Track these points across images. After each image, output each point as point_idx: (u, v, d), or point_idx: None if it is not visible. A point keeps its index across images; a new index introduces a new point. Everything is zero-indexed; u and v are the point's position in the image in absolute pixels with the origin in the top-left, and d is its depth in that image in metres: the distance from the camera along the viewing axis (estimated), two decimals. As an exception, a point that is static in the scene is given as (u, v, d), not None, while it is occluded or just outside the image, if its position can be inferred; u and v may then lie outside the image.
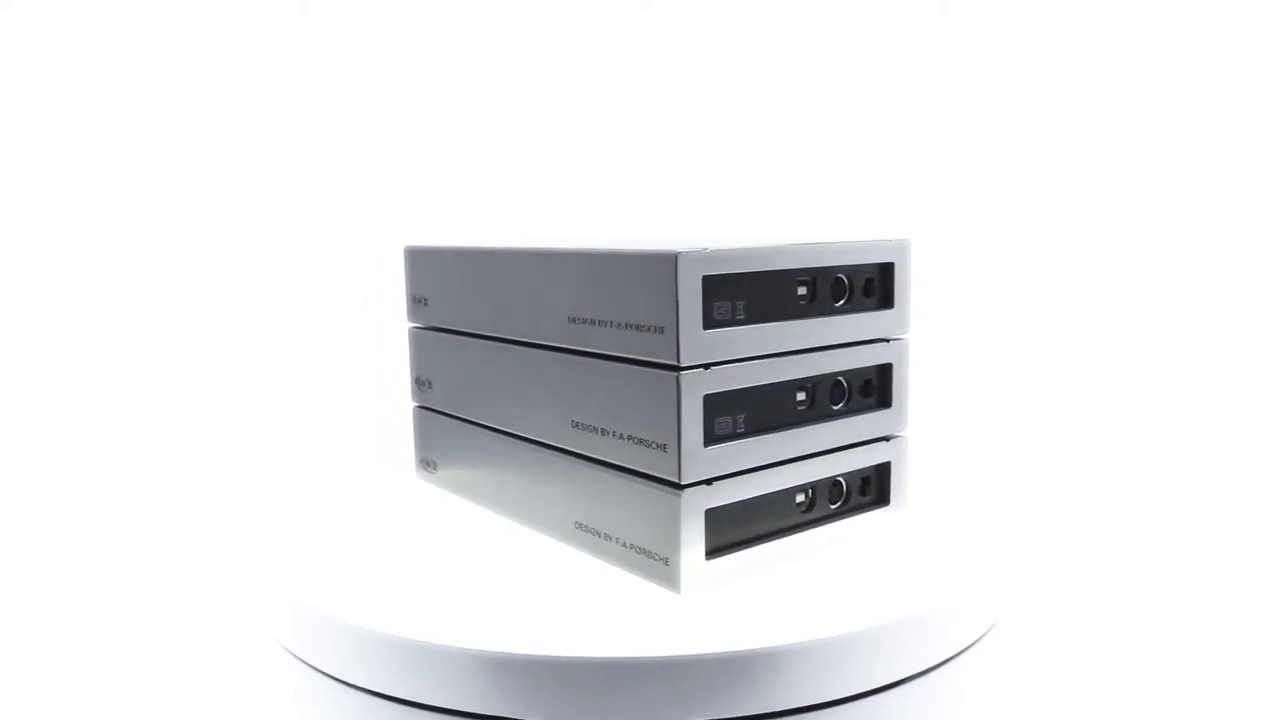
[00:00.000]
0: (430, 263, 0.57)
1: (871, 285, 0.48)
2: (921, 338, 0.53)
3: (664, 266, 0.41)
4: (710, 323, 0.42)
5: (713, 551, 0.44)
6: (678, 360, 0.41)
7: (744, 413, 0.44)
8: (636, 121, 0.68)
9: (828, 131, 0.71)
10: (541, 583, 0.45)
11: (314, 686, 0.44)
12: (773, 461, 0.45)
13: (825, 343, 0.46)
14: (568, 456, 0.48)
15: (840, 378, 0.47)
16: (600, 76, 0.67)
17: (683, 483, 0.42)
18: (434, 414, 0.58)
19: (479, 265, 0.53)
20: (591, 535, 0.47)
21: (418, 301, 0.58)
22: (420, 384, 0.59)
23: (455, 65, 0.66)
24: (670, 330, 0.41)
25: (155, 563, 0.69)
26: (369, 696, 0.41)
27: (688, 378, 0.41)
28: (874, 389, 0.49)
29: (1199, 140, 0.72)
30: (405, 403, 0.60)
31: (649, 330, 0.42)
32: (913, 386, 0.51)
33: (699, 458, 0.42)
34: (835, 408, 0.47)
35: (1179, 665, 0.58)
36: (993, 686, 0.48)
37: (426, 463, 0.60)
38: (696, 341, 0.41)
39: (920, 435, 0.52)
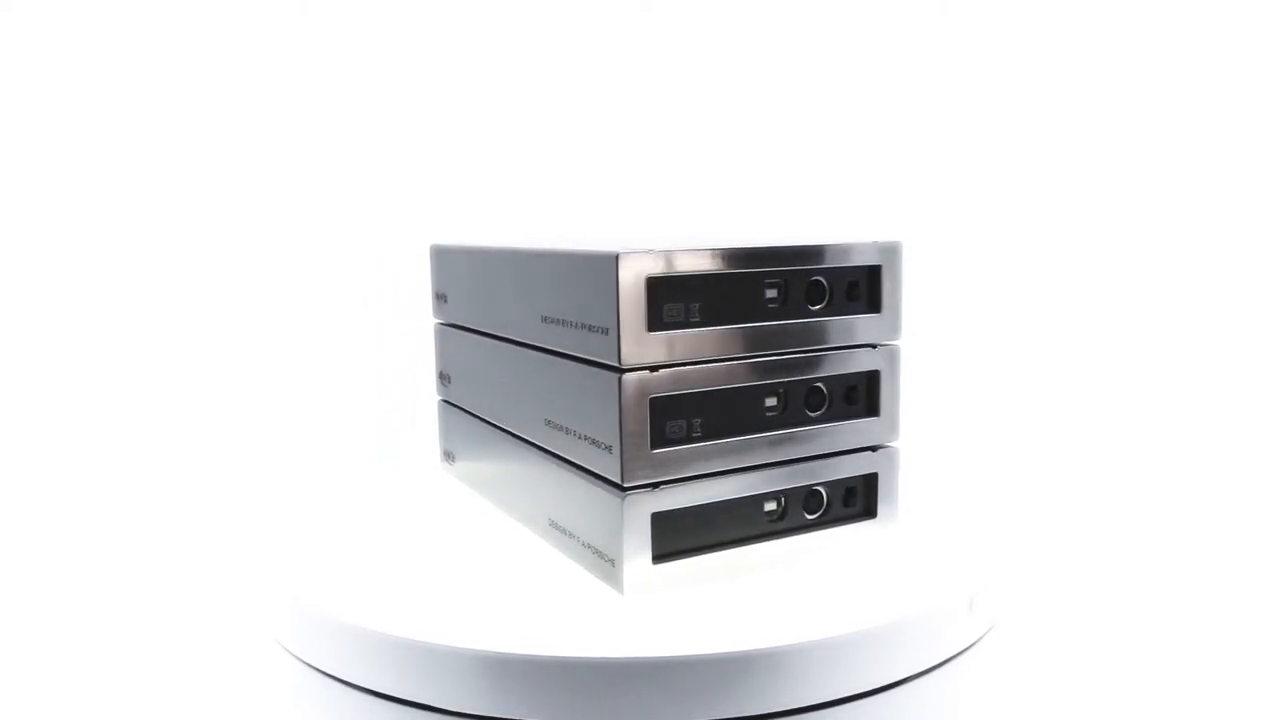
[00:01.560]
0: (448, 261, 0.58)
1: (856, 289, 0.46)
2: (923, 344, 0.51)
3: (605, 267, 0.40)
4: (658, 324, 0.41)
5: (663, 556, 0.43)
6: (619, 362, 0.41)
7: (700, 417, 0.43)
8: (641, 120, 0.68)
9: (834, 132, 0.70)
10: (541, 582, 0.45)
11: (314, 686, 0.44)
12: (733, 468, 0.44)
13: (798, 347, 0.45)
14: (542, 454, 0.48)
15: (820, 384, 0.46)
16: (600, 76, 0.67)
17: (625, 485, 0.42)
18: (452, 407, 0.60)
19: (480, 264, 0.54)
20: (560, 533, 0.47)
21: (439, 298, 0.60)
22: (443, 378, 0.61)
23: (453, 65, 0.66)
24: (612, 331, 0.41)
25: (156, 564, 0.68)
26: (369, 696, 0.41)
27: (630, 379, 0.41)
28: (860, 396, 0.47)
29: (1197, 143, 0.70)
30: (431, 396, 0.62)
31: (597, 331, 0.42)
32: (910, 394, 0.49)
33: (644, 460, 0.42)
34: (813, 414, 0.46)
35: (1177, 665, 0.58)
36: (992, 686, 0.47)
37: (447, 454, 0.61)
38: (640, 343, 0.41)
39: (917, 443, 0.50)
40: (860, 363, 0.47)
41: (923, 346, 0.52)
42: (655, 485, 0.42)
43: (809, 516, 0.47)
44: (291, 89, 0.67)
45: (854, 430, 0.47)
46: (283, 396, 0.71)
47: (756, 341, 0.44)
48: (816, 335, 0.45)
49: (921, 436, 0.53)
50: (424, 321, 0.61)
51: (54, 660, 0.60)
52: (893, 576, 0.46)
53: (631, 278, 0.40)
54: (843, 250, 0.45)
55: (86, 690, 0.58)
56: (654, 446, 0.42)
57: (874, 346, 0.47)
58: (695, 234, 0.54)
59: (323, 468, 0.64)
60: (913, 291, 0.49)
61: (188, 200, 0.68)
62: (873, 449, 0.47)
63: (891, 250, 0.46)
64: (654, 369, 0.41)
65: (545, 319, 0.46)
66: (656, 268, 0.41)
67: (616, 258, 0.40)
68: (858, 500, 0.48)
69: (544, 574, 0.46)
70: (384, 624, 0.41)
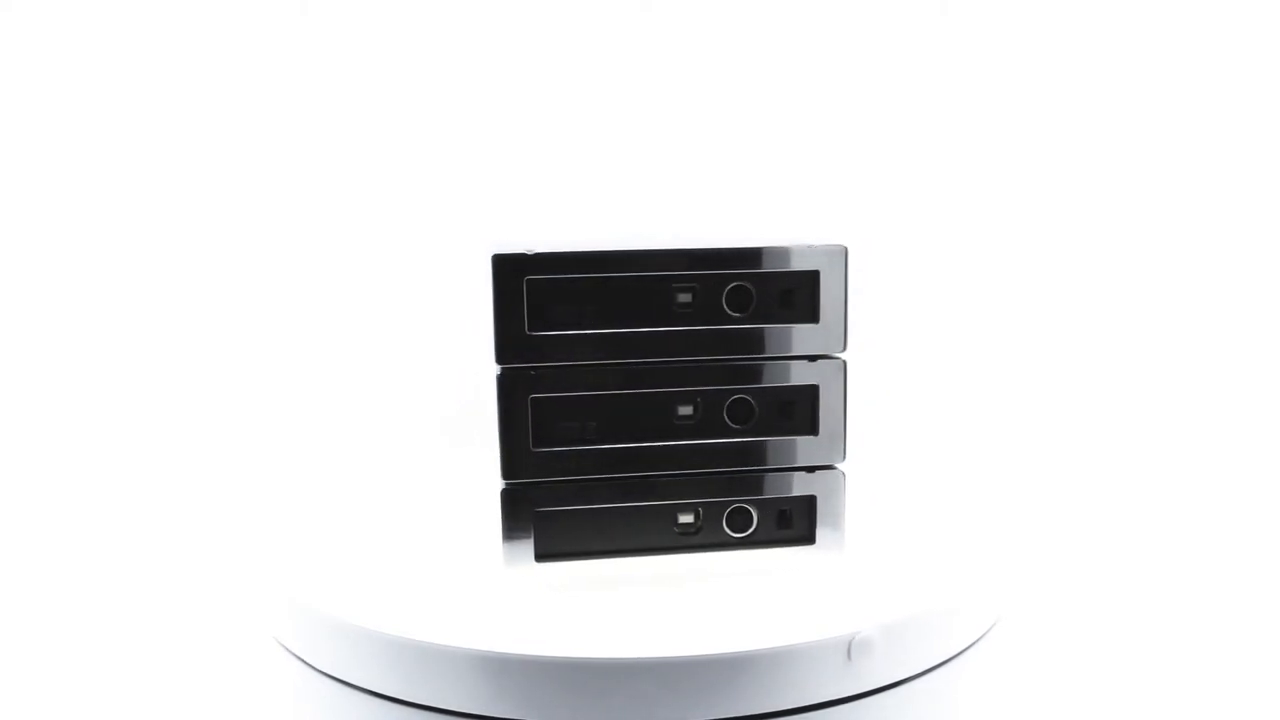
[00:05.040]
0: (496, 256, 0.61)
1: (791, 296, 0.43)
2: (912, 358, 0.46)
3: (489, 267, 0.41)
4: (544, 324, 0.42)
5: (550, 555, 0.43)
6: (496, 359, 0.42)
7: (595, 420, 0.43)
8: (644, 121, 0.66)
9: (836, 132, 0.65)
10: (541, 581, 0.44)
11: (314, 686, 0.44)
12: (633, 474, 0.43)
13: (713, 355, 0.43)
14: (499, 446, 0.50)
15: (745, 395, 0.43)
16: (599, 75, 0.65)
17: (505, 481, 0.42)
18: (500, 396, 0.63)
19: (494, 260, 0.57)
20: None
21: (495, 292, 0.63)
22: (499, 367, 0.64)
23: (451, 65, 0.65)
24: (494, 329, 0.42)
25: (155, 562, 0.66)
26: (369, 696, 0.41)
27: (505, 377, 0.42)
28: (797, 412, 0.44)
29: (1196, 148, 0.68)
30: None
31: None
32: (888, 414, 0.45)
33: (524, 458, 0.42)
34: (737, 427, 0.44)
35: (1178, 665, 0.58)
36: (993, 686, 0.45)
37: (500, 441, 0.65)
38: (519, 342, 0.41)
39: (888, 467, 0.46)
40: (796, 376, 0.43)
41: (909, 361, 0.47)
42: (538, 484, 0.43)
43: (733, 534, 0.44)
44: (292, 93, 0.67)
45: (788, 448, 0.44)
46: (296, 394, 0.69)
47: (661, 347, 0.42)
48: (737, 344, 0.43)
49: (896, 459, 0.48)
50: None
51: (52, 659, 0.59)
52: (895, 575, 0.43)
53: (508, 278, 0.41)
54: (772, 254, 0.43)
55: (86, 690, 0.58)
56: (537, 445, 0.42)
57: (812, 359, 0.43)
58: (645, 233, 0.52)
59: (327, 466, 0.65)
60: (904, 301, 0.45)
61: (187, 201, 0.68)
62: (810, 469, 0.44)
63: (833, 255, 0.43)
64: (535, 369, 0.42)
65: (495, 315, 0.48)
66: (536, 269, 0.41)
67: (492, 258, 0.41)
68: (794, 523, 0.45)
69: (544, 573, 0.45)
70: (384, 624, 0.41)
